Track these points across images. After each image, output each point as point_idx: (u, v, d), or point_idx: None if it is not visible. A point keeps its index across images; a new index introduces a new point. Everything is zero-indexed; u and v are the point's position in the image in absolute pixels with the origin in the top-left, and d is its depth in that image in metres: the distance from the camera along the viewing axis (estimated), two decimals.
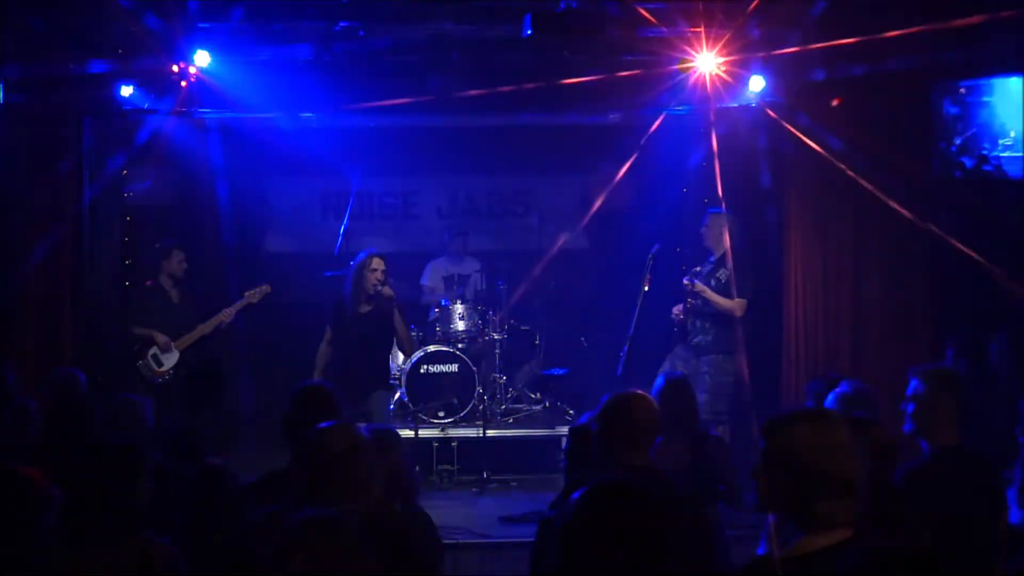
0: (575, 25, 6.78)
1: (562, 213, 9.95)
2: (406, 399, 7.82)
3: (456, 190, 10.04)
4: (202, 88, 7.48)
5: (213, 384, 4.65)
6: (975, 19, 6.45)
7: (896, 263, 7.26)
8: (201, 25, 7.13)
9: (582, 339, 9.08)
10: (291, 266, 9.41)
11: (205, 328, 7.52)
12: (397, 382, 7.86)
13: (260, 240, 9.81)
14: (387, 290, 6.88)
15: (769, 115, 7.50)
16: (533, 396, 8.67)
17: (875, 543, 2.39)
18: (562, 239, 9.81)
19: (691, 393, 4.86)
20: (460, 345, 8.25)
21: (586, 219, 9.89)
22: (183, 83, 7.35)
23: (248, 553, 2.86)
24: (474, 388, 7.96)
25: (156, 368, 7.40)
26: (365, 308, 6.93)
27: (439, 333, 8.37)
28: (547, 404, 8.49)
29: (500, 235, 9.91)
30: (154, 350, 7.41)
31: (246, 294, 7.62)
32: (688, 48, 7.35)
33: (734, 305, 7.01)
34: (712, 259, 7.27)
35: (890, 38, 6.75)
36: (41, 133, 7.21)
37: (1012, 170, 6.96)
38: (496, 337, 8.43)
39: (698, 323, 7.16)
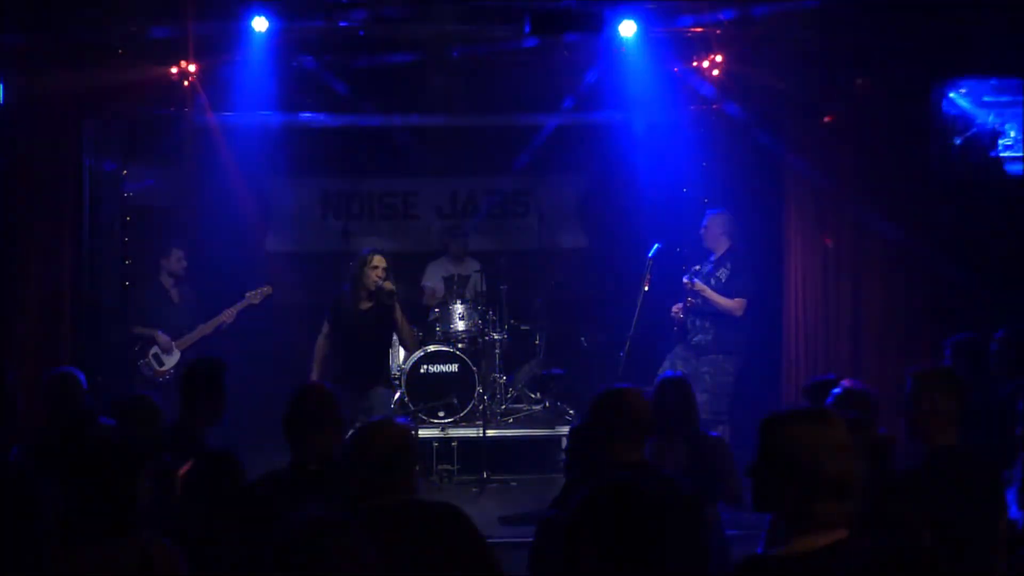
0: (575, 25, 6.79)
1: (562, 213, 9.95)
2: (406, 399, 7.82)
3: (456, 190, 10.04)
4: (202, 88, 7.49)
5: (213, 382, 4.64)
6: (975, 19, 6.46)
7: (896, 263, 7.26)
8: (202, 25, 7.14)
9: (582, 339, 9.07)
10: (291, 266, 9.41)
11: (206, 328, 7.53)
12: (397, 382, 7.86)
13: (260, 240, 9.80)
14: (388, 284, 6.88)
15: (769, 115, 7.50)
16: (533, 396, 8.67)
17: (872, 543, 2.39)
18: (562, 239, 9.83)
19: (689, 392, 4.85)
20: (460, 345, 8.25)
21: (586, 219, 9.92)
22: (184, 83, 7.37)
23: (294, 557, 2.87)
24: (474, 388, 7.95)
25: (157, 368, 7.40)
26: (366, 305, 6.93)
27: (439, 333, 8.37)
28: (547, 404, 8.49)
29: (500, 235, 9.91)
30: (155, 350, 7.42)
31: (247, 295, 7.63)
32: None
33: (734, 305, 7.01)
34: (712, 259, 7.28)
35: (890, 38, 6.77)
36: (41, 133, 7.21)
37: (1012, 170, 6.97)
38: (496, 337, 8.42)
39: (698, 323, 7.16)
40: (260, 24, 6.99)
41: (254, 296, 7.63)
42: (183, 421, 4.58)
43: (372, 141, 9.25)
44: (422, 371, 7.91)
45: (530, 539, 3.57)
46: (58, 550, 2.92)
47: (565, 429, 7.24)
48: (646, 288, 7.17)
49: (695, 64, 7.60)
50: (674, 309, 7.28)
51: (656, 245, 7.32)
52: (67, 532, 2.95)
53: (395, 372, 7.97)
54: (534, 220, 9.78)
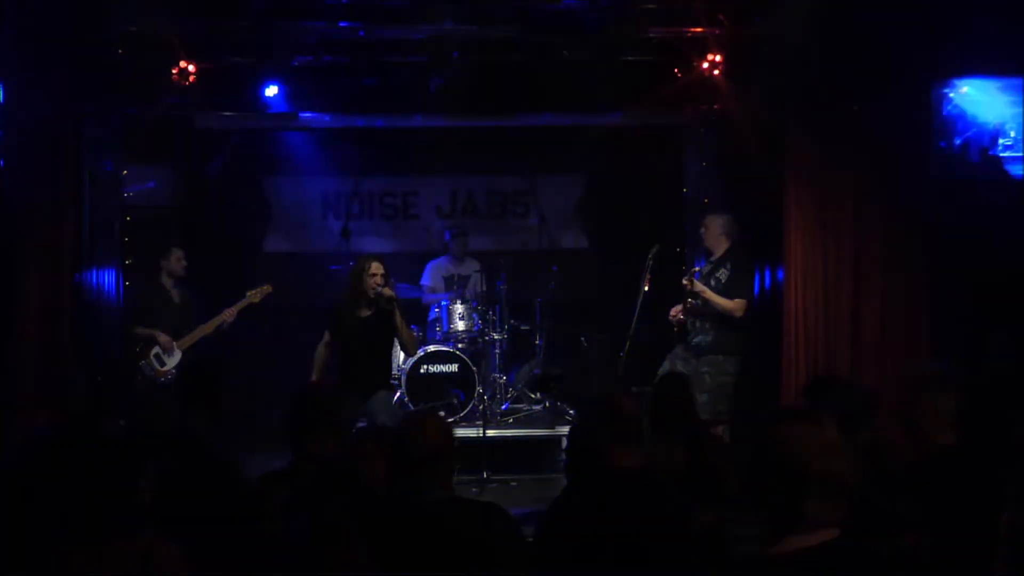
0: (575, 25, 6.79)
1: (562, 213, 9.96)
2: (406, 399, 7.82)
3: (456, 190, 10.04)
4: (202, 88, 7.49)
5: (213, 383, 4.64)
6: (975, 19, 6.47)
7: (896, 263, 7.26)
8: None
9: (582, 339, 9.08)
10: (291, 266, 9.41)
11: (207, 328, 7.52)
12: (397, 382, 7.86)
13: (260, 240, 9.81)
14: (387, 291, 6.87)
15: (769, 115, 7.50)
16: (533, 396, 8.68)
17: (866, 543, 2.40)
18: (562, 239, 9.83)
19: (687, 391, 4.84)
20: (460, 345, 8.25)
21: (586, 219, 9.91)
22: (184, 83, 7.37)
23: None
24: (474, 388, 7.96)
25: (159, 368, 7.40)
26: (365, 312, 6.91)
27: (439, 333, 8.37)
28: (547, 404, 8.50)
29: (500, 235, 9.91)
30: (156, 350, 7.42)
31: (248, 294, 7.63)
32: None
33: (734, 306, 7.01)
34: (712, 259, 7.27)
35: (890, 38, 6.77)
36: (41, 133, 7.21)
37: (1012, 170, 6.97)
38: (496, 337, 8.43)
39: (698, 323, 7.16)
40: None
41: (254, 295, 7.63)
42: (183, 422, 4.57)
43: (372, 141, 9.25)
44: (422, 371, 7.92)
45: (530, 539, 3.57)
46: (60, 549, 2.92)
47: (565, 429, 7.24)
48: (646, 288, 7.17)
49: (695, 64, 7.60)
50: (673, 311, 7.28)
51: (655, 245, 7.32)
52: (69, 532, 2.96)
53: (395, 372, 7.97)
54: (534, 220, 9.79)
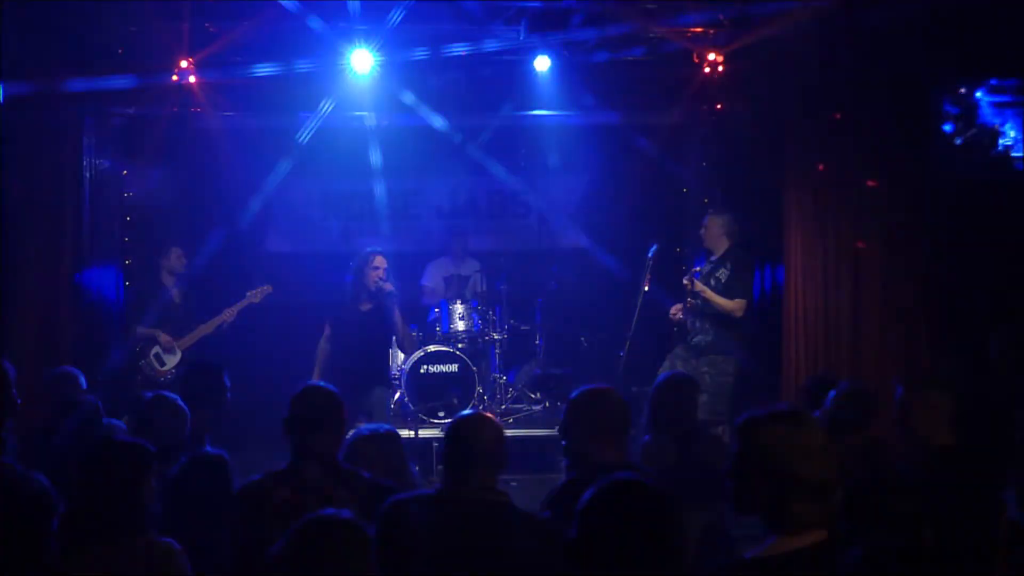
0: (574, 25, 6.79)
1: (562, 213, 9.95)
2: (406, 399, 7.82)
3: (456, 190, 10.04)
4: (202, 88, 7.49)
5: (213, 384, 4.64)
6: (975, 19, 6.46)
7: (896, 263, 7.26)
8: (201, 24, 7.15)
9: (582, 339, 9.08)
10: (291, 266, 9.41)
11: (207, 328, 7.53)
12: (397, 382, 7.86)
13: (260, 240, 9.80)
14: (388, 285, 6.89)
15: (769, 114, 7.50)
16: (533, 396, 8.68)
17: (854, 545, 2.40)
18: (562, 239, 9.83)
19: (684, 391, 4.80)
20: (460, 345, 8.25)
21: (586, 219, 9.91)
22: (184, 83, 7.37)
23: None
24: (474, 388, 7.96)
25: (159, 367, 7.40)
26: (366, 306, 6.93)
27: (439, 333, 8.37)
28: (547, 404, 8.50)
29: (500, 235, 9.91)
30: (156, 349, 7.42)
31: (248, 294, 7.64)
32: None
33: (734, 305, 7.01)
34: (712, 259, 7.27)
35: (890, 37, 6.76)
36: (41, 133, 7.21)
37: (1012, 170, 6.97)
38: (496, 337, 8.43)
39: (698, 323, 7.16)
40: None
41: (255, 295, 7.63)
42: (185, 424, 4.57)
43: (372, 141, 9.24)
44: (422, 371, 7.92)
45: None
46: (64, 550, 2.92)
47: None
48: (646, 288, 7.17)
49: (695, 64, 7.59)
50: (673, 311, 7.28)
51: (655, 245, 7.31)
52: (73, 532, 2.95)
53: (395, 372, 7.97)
54: (534, 220, 9.79)
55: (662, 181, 9.04)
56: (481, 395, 8.02)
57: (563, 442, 3.71)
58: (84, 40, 7.03)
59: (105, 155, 7.84)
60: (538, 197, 9.90)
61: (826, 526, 2.36)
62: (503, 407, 8.36)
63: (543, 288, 8.91)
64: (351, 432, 4.08)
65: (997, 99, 7.04)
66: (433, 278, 9.07)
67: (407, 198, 10.03)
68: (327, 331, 7.01)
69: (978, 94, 7.06)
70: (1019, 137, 6.94)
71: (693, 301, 7.13)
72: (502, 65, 7.75)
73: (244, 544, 3.45)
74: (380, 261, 6.91)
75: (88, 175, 7.60)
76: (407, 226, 9.98)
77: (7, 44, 6.72)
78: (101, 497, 3.01)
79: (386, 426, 4.13)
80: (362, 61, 7.20)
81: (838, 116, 7.33)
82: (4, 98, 6.82)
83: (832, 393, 4.42)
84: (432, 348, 8.05)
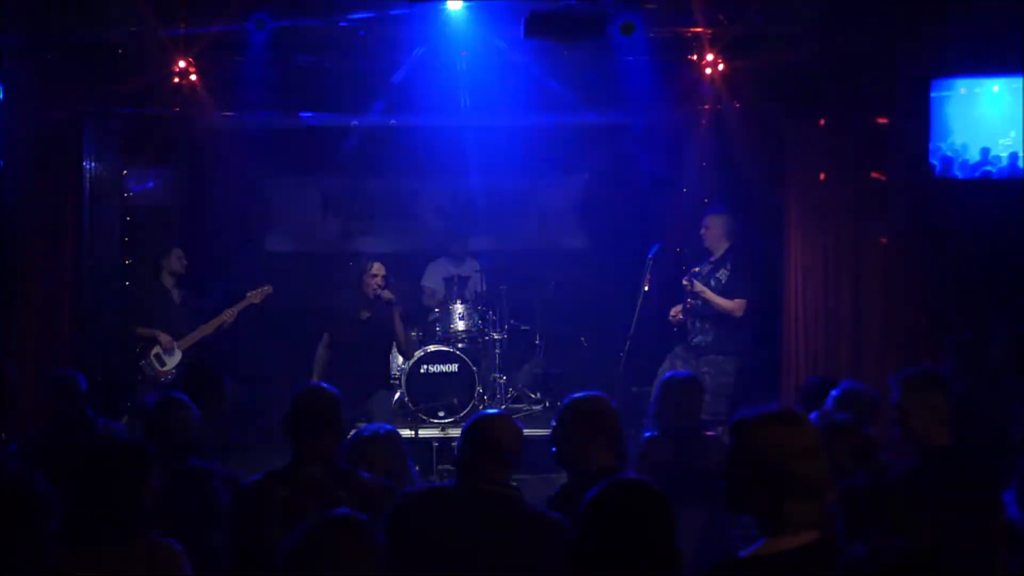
0: (574, 25, 6.78)
1: (562, 213, 9.95)
2: (406, 399, 7.82)
3: (456, 190, 10.04)
4: (202, 88, 7.49)
5: (213, 385, 4.64)
6: (974, 19, 6.46)
7: (896, 263, 7.26)
8: (201, 24, 7.15)
9: (582, 339, 9.08)
10: (291, 266, 9.41)
11: (207, 328, 7.52)
12: (397, 382, 7.87)
13: (260, 240, 9.81)
14: (387, 294, 6.89)
15: (769, 115, 7.50)
16: (533, 396, 8.68)
17: (844, 546, 2.40)
18: (562, 239, 9.83)
19: (683, 392, 4.79)
20: (460, 345, 8.25)
21: (586, 219, 9.91)
22: (184, 83, 7.37)
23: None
24: (474, 388, 7.96)
25: (159, 368, 7.40)
26: (365, 314, 6.92)
27: (439, 333, 8.37)
28: (547, 404, 8.50)
29: (500, 235, 9.91)
30: (157, 350, 7.42)
31: (248, 294, 7.64)
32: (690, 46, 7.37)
33: (734, 306, 7.01)
34: (712, 259, 7.27)
35: (889, 37, 6.76)
36: (41, 133, 7.21)
37: (1012, 170, 6.96)
38: (496, 337, 8.43)
39: (698, 323, 7.16)
40: (261, 24, 6.99)
41: (255, 295, 7.63)
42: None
43: (372, 141, 9.26)
44: (422, 371, 7.92)
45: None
46: (64, 552, 2.91)
47: None
48: (646, 288, 7.17)
49: (695, 64, 7.59)
50: (673, 312, 7.28)
51: (656, 245, 7.32)
52: (73, 532, 2.96)
53: (395, 372, 7.97)
54: (534, 220, 9.79)
55: (662, 181, 9.03)
56: (481, 395, 8.02)
57: (553, 449, 3.71)
58: (84, 40, 7.03)
59: (105, 155, 7.84)
60: (538, 197, 9.90)
61: (818, 527, 2.37)
62: (503, 407, 8.36)
63: (543, 288, 8.91)
64: (351, 432, 4.09)
65: (997, 98, 7.03)
66: (433, 278, 9.07)
67: (407, 198, 10.03)
68: (325, 339, 6.99)
69: (975, 91, 7.06)
70: (1019, 137, 6.94)
71: (693, 301, 7.13)
72: (502, 64, 7.75)
73: (244, 544, 3.45)
74: (378, 268, 6.90)
75: (88, 175, 7.60)
76: (407, 226, 9.98)
77: (7, 44, 6.74)
78: (101, 497, 3.01)
79: (386, 426, 4.13)
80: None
81: (838, 116, 7.33)
82: (4, 98, 6.83)
83: (832, 393, 4.42)
84: (432, 348, 8.06)
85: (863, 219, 7.29)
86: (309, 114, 8.47)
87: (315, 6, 7.00)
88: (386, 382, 7.20)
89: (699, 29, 7.32)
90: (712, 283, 7.10)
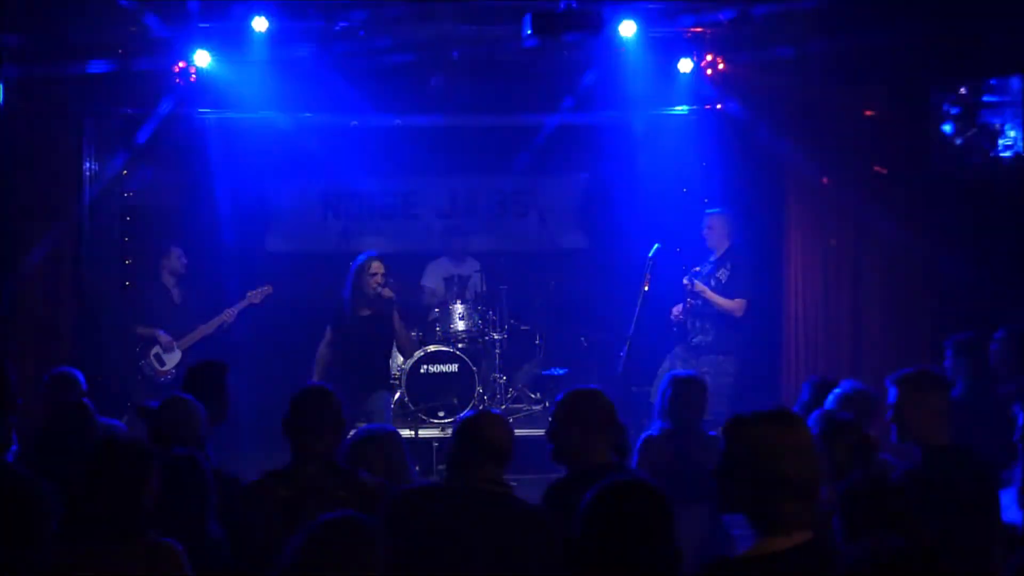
0: (575, 25, 6.78)
1: (562, 213, 9.95)
2: (406, 399, 7.82)
3: (456, 190, 10.03)
4: (202, 88, 7.49)
5: (215, 384, 4.64)
6: (974, 20, 6.46)
7: (896, 263, 7.26)
8: (201, 25, 7.15)
9: (582, 339, 9.07)
10: (291, 266, 9.41)
11: (207, 328, 7.53)
12: (397, 382, 7.86)
13: (260, 240, 9.80)
14: (387, 292, 6.88)
15: (769, 115, 7.50)
16: (533, 396, 8.68)
17: (860, 544, 2.40)
18: (562, 239, 9.83)
19: (691, 389, 4.81)
20: (460, 345, 8.25)
21: (586, 219, 9.91)
22: (183, 83, 7.37)
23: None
24: (474, 388, 7.96)
25: (159, 368, 7.41)
26: (365, 312, 6.91)
27: (439, 333, 8.37)
28: (547, 404, 8.49)
29: (500, 235, 9.90)
30: (156, 349, 7.42)
31: (248, 294, 7.64)
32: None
33: (734, 305, 7.01)
34: (712, 259, 7.27)
35: (890, 37, 6.76)
36: (41, 133, 7.21)
37: (1012, 170, 6.96)
38: (496, 337, 8.43)
39: (698, 323, 7.16)
40: (260, 24, 7.00)
41: (255, 295, 7.64)
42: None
43: (372, 141, 9.25)
44: (422, 371, 7.92)
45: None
46: (64, 551, 2.92)
47: None
48: (646, 288, 7.16)
49: (695, 64, 7.59)
50: (674, 311, 7.28)
51: (656, 245, 7.31)
52: (73, 532, 2.95)
53: (395, 372, 7.97)
54: (534, 220, 9.78)
55: (662, 181, 9.03)
56: (481, 395, 8.02)
57: (550, 446, 3.71)
58: (84, 40, 7.03)
59: (105, 155, 7.84)
60: (538, 197, 9.89)
61: (811, 527, 2.36)
62: (503, 407, 8.36)
63: (543, 288, 8.90)
64: (351, 432, 4.09)
65: (997, 99, 7.04)
66: (433, 278, 9.07)
67: (407, 198, 10.02)
68: (327, 336, 6.99)
69: (974, 91, 7.06)
70: (1019, 137, 6.94)
71: (693, 301, 7.13)
72: (503, 64, 7.75)
73: (244, 544, 3.45)
74: (377, 266, 6.88)
75: (88, 175, 7.60)
76: (407, 226, 9.97)
77: (7, 44, 6.73)
78: (101, 497, 3.01)
79: (387, 426, 4.14)
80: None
81: (838, 115, 7.33)
82: (4, 98, 6.83)
83: (832, 393, 4.42)
84: (432, 348, 8.05)
85: (863, 219, 7.30)
86: (309, 114, 8.47)
87: (315, 6, 7.01)
88: (386, 382, 7.18)
89: (699, 29, 7.33)
90: (712, 283, 7.10)
